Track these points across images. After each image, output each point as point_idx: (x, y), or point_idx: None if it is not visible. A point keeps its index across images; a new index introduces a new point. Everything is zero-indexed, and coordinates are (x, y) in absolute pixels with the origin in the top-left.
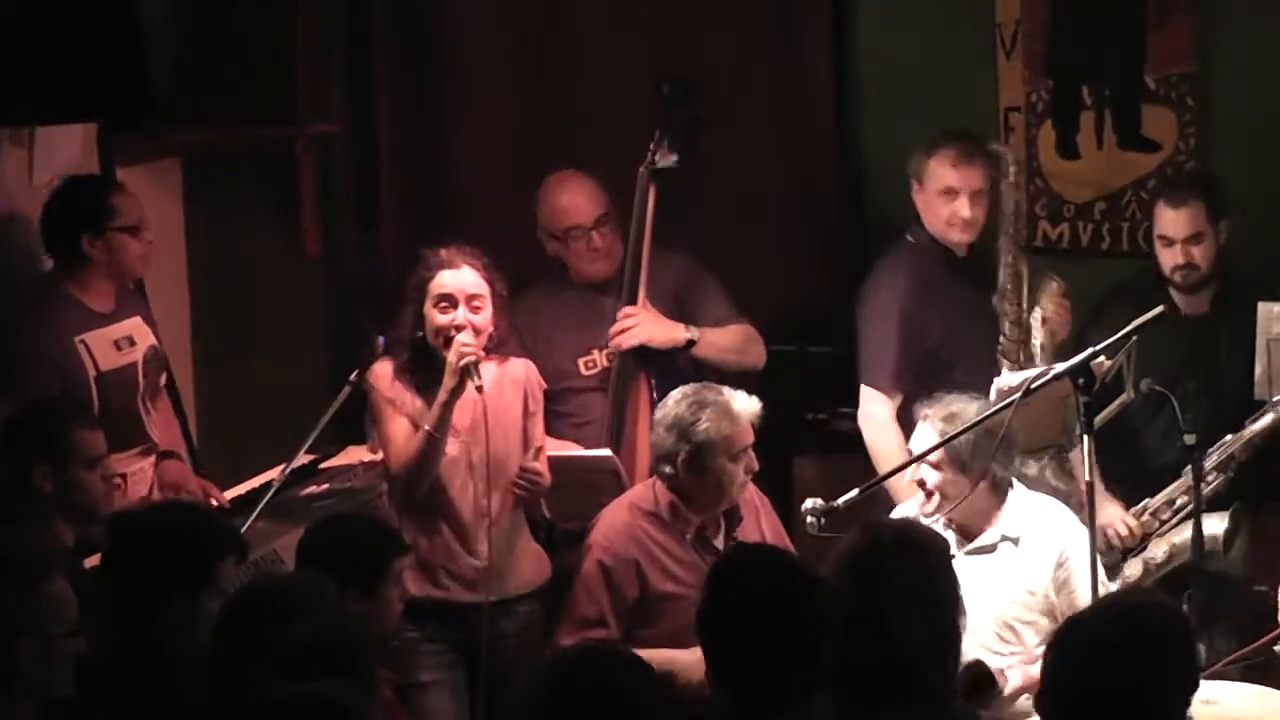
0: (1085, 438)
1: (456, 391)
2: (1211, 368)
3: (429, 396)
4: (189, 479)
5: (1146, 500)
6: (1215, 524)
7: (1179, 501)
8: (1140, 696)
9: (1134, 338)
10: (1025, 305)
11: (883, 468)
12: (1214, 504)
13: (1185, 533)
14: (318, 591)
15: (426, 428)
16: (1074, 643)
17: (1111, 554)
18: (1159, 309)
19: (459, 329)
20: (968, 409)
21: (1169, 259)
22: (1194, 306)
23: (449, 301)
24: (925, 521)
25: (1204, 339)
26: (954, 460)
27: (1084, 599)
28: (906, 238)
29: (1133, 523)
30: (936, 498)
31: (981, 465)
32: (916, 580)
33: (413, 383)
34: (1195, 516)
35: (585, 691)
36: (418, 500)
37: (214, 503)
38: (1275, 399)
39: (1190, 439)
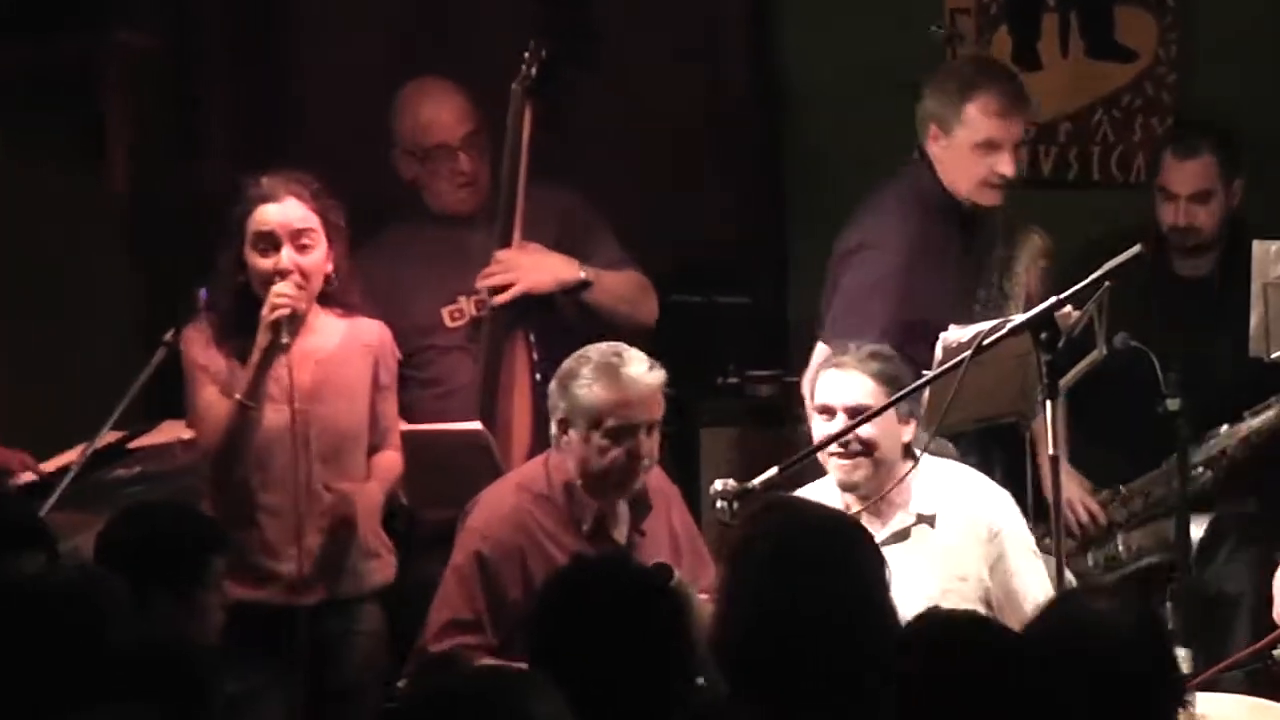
0: (1048, 404)
1: (271, 351)
2: (1209, 341)
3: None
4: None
5: (1120, 487)
6: (1192, 529)
7: (1155, 494)
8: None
9: (1105, 284)
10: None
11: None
12: (1195, 503)
13: (1153, 533)
14: (99, 594)
15: (237, 395)
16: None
17: (1066, 542)
18: (1136, 249)
19: (283, 274)
20: (881, 349)
21: (1168, 215)
22: (1193, 269)
23: (270, 241)
24: (834, 499)
25: (1202, 306)
26: (897, 403)
27: (1024, 581)
28: (909, 180)
29: (1095, 508)
30: (867, 461)
31: (911, 410)
32: (840, 574)
33: (232, 344)
34: (1180, 515)
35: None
36: (233, 483)
37: (31, 476)
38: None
39: (1173, 404)
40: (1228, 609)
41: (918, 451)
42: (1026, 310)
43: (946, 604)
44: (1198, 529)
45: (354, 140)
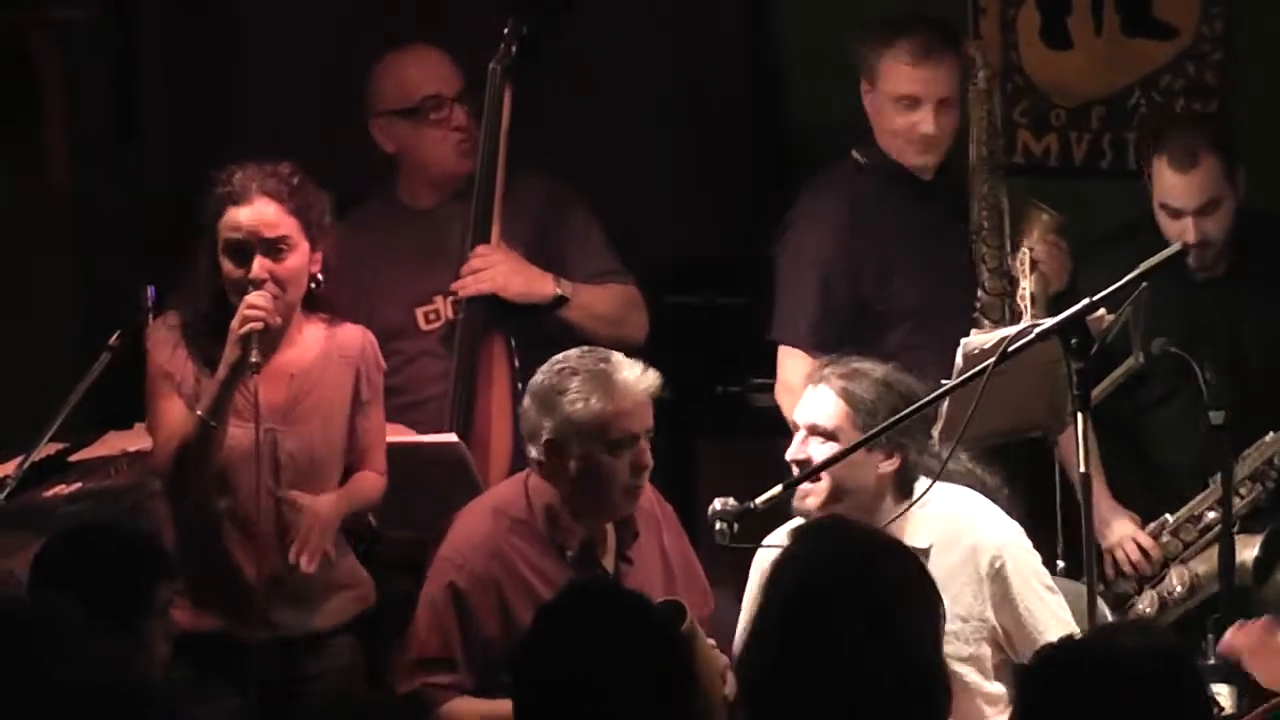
0: (1079, 416)
1: (239, 368)
2: (1232, 341)
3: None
4: None
5: (1166, 516)
6: (1245, 549)
7: (1207, 518)
8: None
9: (1143, 284)
10: (1008, 246)
11: None
12: (1249, 522)
13: (1210, 560)
14: (57, 623)
15: (199, 412)
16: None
17: (1121, 583)
18: (1177, 246)
19: (256, 285)
20: (874, 369)
21: (1174, 232)
22: (1208, 270)
23: (241, 249)
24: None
25: (1220, 305)
26: (860, 428)
27: (1034, 618)
28: (853, 154)
29: (1148, 544)
30: (825, 485)
31: (893, 441)
32: (873, 607)
33: (200, 352)
34: (1224, 537)
35: None
36: (191, 504)
37: None
38: None
39: (1217, 417)
40: None
41: (918, 487)
42: (1043, 294)
43: (945, 648)
44: (1252, 548)
45: (310, 118)
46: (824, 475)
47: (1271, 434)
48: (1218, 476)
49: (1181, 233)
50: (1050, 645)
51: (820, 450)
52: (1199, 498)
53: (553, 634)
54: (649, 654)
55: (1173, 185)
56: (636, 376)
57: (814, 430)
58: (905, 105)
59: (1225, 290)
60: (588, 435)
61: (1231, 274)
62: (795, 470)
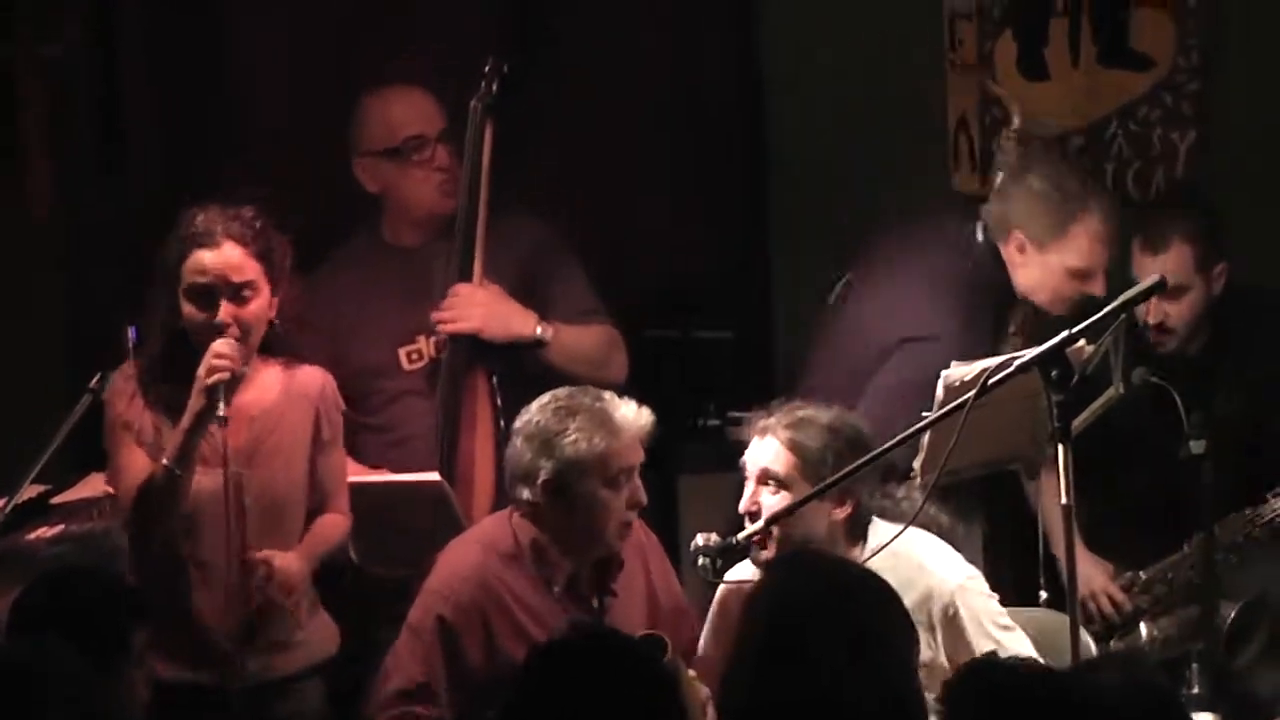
0: (1060, 447)
1: (205, 416)
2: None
3: (180, 417)
4: None
5: (1140, 574)
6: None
7: (1177, 580)
8: None
9: (1122, 316)
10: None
11: None
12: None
13: (1179, 620)
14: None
15: (164, 461)
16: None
17: (1090, 627)
18: (1156, 278)
19: (220, 330)
20: (819, 415)
21: (1140, 311)
22: (1175, 350)
23: (205, 293)
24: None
25: (1193, 382)
26: (809, 477)
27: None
28: (975, 266)
29: (1121, 598)
30: (777, 539)
31: (844, 488)
32: (845, 636)
33: (159, 399)
34: (1206, 602)
35: None
36: (154, 550)
37: None
38: None
39: (1198, 447)
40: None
41: (871, 533)
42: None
43: None
44: (1225, 618)
45: (297, 149)
46: (775, 528)
47: (1250, 508)
48: (1194, 540)
49: (1144, 313)
50: (982, 664)
51: (771, 501)
52: (1171, 558)
53: (545, 674)
54: (640, 693)
55: (1138, 264)
56: (634, 413)
57: (763, 480)
58: (1081, 275)
59: (1196, 368)
60: (588, 473)
61: (1205, 357)
62: (747, 521)
